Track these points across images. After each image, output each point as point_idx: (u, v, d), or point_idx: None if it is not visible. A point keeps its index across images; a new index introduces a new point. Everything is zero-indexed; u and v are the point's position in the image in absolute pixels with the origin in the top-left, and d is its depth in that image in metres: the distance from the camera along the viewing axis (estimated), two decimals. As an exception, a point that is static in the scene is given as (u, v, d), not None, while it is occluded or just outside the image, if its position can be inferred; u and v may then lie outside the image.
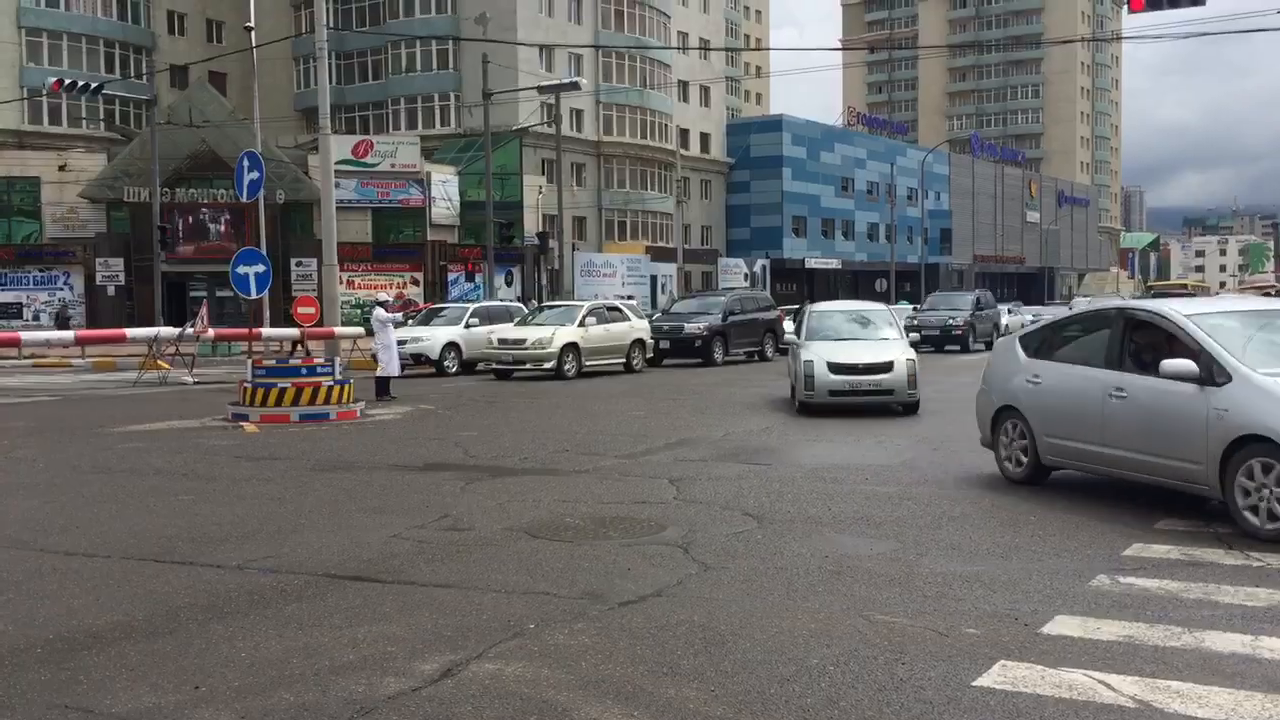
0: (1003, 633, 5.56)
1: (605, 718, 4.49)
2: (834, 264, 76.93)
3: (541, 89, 43.79)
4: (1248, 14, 30.09)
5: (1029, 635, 5.52)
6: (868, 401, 15.96)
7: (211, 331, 27.20)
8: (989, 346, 33.13)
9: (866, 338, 17.18)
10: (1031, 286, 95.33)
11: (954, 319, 35.13)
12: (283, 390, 16.23)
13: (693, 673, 5.02)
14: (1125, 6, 23.51)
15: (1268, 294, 28.47)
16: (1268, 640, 5.39)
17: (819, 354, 16.06)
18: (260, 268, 17.72)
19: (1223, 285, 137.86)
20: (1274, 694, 4.67)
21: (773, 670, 5.04)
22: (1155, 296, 40.64)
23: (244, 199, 20.18)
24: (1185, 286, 62.42)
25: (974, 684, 4.82)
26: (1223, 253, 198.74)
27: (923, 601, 6.17)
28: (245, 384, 16.67)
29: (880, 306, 19.51)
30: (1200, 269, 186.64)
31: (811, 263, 74.44)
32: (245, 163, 18.68)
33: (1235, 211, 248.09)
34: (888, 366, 15.91)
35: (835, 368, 15.81)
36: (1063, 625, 5.67)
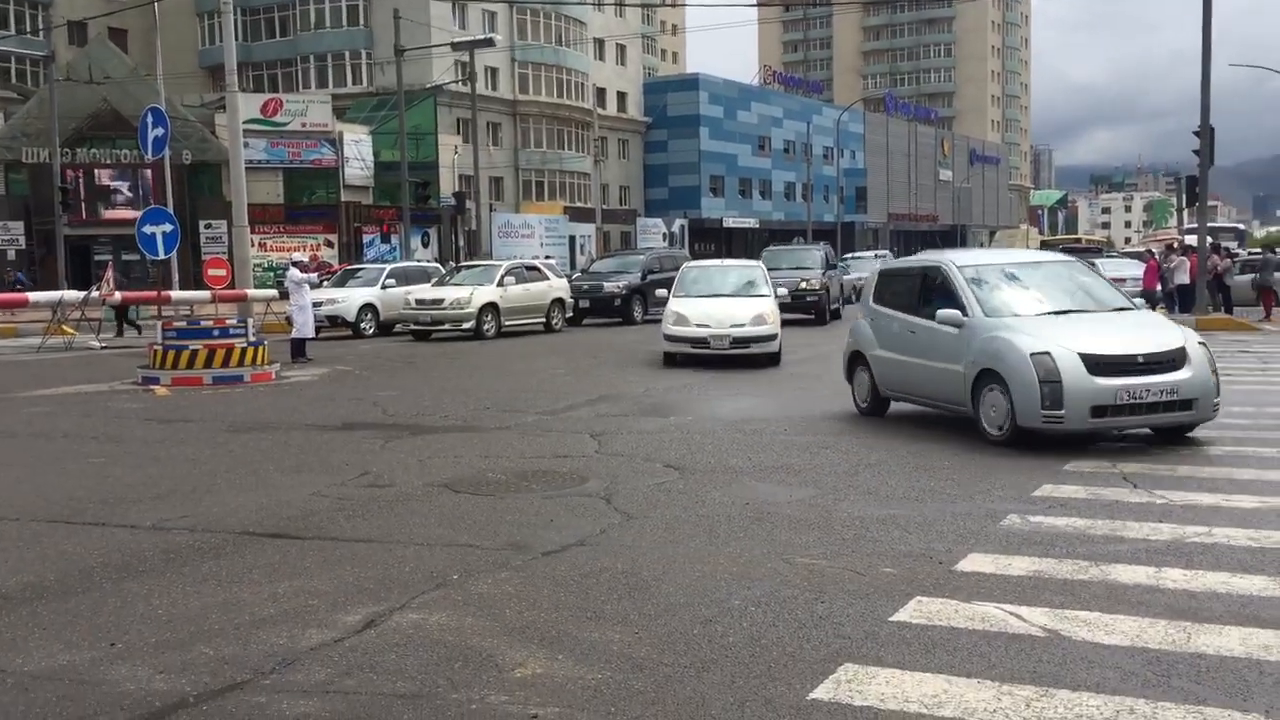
0: (918, 571, 5.69)
1: (530, 662, 4.51)
2: (752, 223, 77.33)
3: (455, 45, 43.12)
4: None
5: (943, 573, 5.66)
6: (1153, 422, 9.25)
7: (118, 295, 26.48)
8: (836, 315, 27.31)
9: (1095, 307, 10.14)
10: (945, 244, 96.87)
11: (807, 280, 26.58)
12: (194, 353, 15.90)
13: (617, 617, 5.06)
14: (1034, -36, 23.83)
15: (1171, 247, 29.37)
16: (1170, 572, 5.59)
17: (1053, 340, 9.11)
18: (168, 227, 17.27)
19: (1128, 241, 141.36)
20: (1176, 620, 4.85)
21: (695, 612, 5.10)
22: (1065, 251, 41.48)
23: (149, 156, 19.63)
24: (1079, 240, 63.62)
25: (891, 619, 4.94)
26: (1128, 209, 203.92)
27: (841, 544, 6.28)
28: (155, 346, 16.30)
29: (1064, 257, 12.32)
30: (1107, 225, 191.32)
31: (729, 222, 74.75)
32: (149, 119, 18.13)
33: (1140, 169, 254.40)
34: (1178, 358, 9.15)
35: (1097, 364, 8.88)
36: (976, 563, 5.82)
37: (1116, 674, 4.26)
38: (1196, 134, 25.09)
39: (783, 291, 20.68)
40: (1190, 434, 9.54)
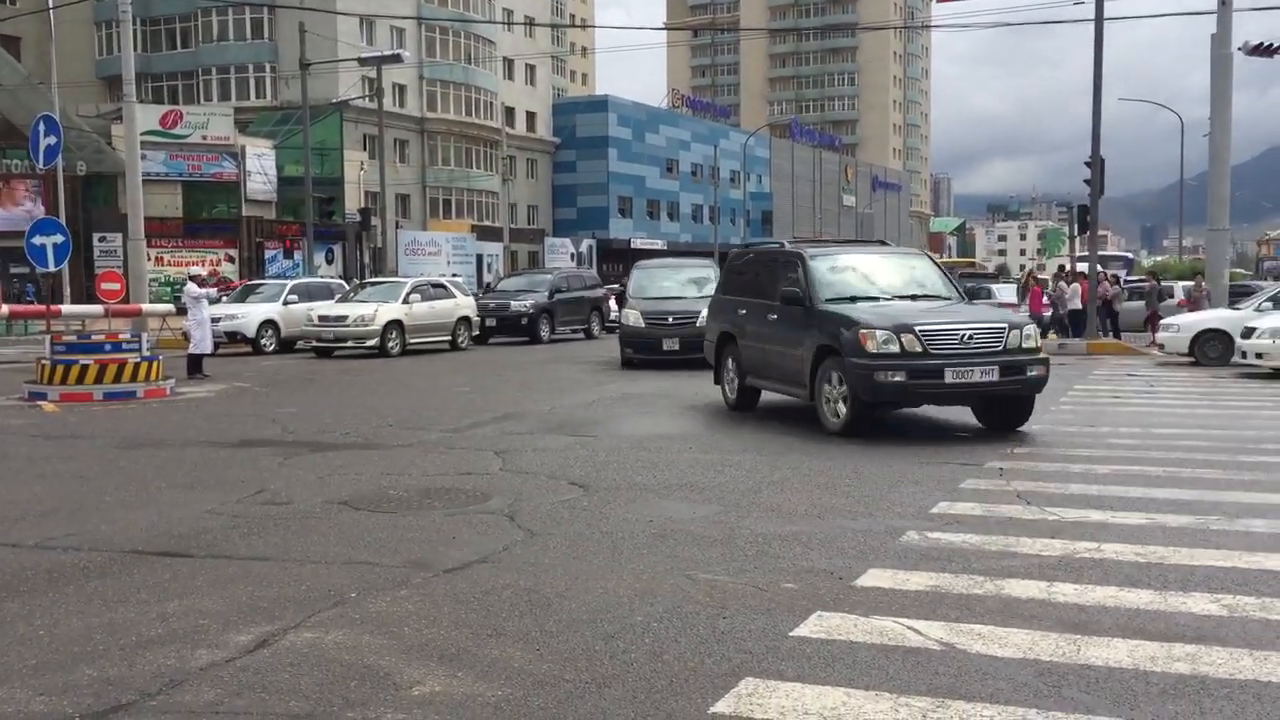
0: (819, 586, 5.74)
1: (429, 680, 4.44)
2: (659, 245, 77.72)
3: (363, 61, 42.67)
4: (1053, 3, 31.87)
5: (843, 588, 5.71)
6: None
7: (5, 308, 25.58)
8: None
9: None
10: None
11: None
12: (85, 367, 15.42)
13: (518, 634, 5.01)
14: (935, -4, 24.52)
15: (1061, 270, 30.39)
16: (1061, 586, 5.72)
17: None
18: (59, 238, 16.75)
19: (1022, 267, 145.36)
20: (1067, 633, 4.96)
21: (598, 629, 5.07)
22: (963, 278, 42.83)
23: (41, 166, 19.04)
24: (973, 264, 65.66)
25: (792, 634, 4.96)
26: (1023, 237, 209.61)
27: (743, 560, 6.31)
28: (43, 361, 15.76)
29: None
30: (1003, 252, 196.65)
31: (637, 243, 75.02)
32: (41, 127, 17.60)
33: (1034, 199, 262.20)
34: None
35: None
36: (875, 578, 5.89)
37: (1010, 685, 4.34)
38: (1088, 165, 25.91)
39: None
40: None
